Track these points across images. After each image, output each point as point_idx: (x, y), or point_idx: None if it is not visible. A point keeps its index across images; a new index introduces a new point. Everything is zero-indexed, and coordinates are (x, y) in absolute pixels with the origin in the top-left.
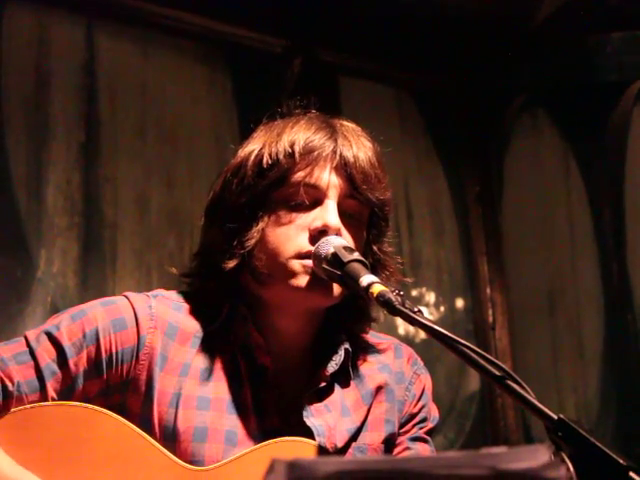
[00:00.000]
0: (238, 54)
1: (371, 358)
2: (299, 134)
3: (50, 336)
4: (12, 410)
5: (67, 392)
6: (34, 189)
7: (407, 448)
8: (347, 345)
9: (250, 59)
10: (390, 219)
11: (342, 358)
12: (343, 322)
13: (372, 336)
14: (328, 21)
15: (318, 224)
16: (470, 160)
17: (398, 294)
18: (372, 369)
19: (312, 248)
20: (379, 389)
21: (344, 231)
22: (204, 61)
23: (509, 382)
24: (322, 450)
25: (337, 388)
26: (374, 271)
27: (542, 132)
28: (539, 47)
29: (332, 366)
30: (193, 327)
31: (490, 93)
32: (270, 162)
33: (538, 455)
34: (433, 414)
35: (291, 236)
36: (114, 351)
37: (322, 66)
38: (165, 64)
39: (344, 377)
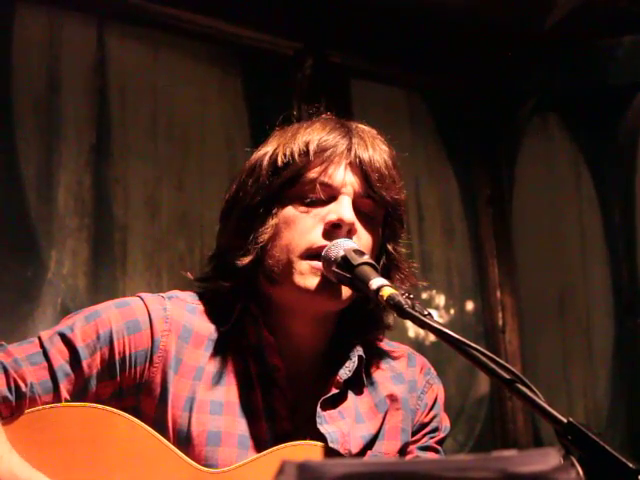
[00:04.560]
0: (249, 56)
1: (384, 365)
2: (313, 134)
3: (64, 337)
4: (27, 411)
5: (80, 393)
6: (45, 190)
7: (417, 457)
8: (361, 352)
9: (261, 61)
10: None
11: (355, 365)
12: (357, 328)
13: (386, 344)
14: (340, 24)
15: (333, 217)
16: (481, 163)
17: (408, 297)
18: (385, 377)
19: (325, 243)
20: (393, 397)
21: (359, 226)
22: (215, 63)
23: (519, 385)
24: (336, 455)
25: (350, 395)
26: (388, 273)
27: (553, 135)
28: (550, 50)
29: (345, 373)
30: (207, 330)
31: (501, 96)
32: (285, 161)
33: (548, 458)
34: (444, 424)
35: (305, 230)
36: (127, 354)
37: (333, 68)
38: (176, 66)
39: (357, 384)
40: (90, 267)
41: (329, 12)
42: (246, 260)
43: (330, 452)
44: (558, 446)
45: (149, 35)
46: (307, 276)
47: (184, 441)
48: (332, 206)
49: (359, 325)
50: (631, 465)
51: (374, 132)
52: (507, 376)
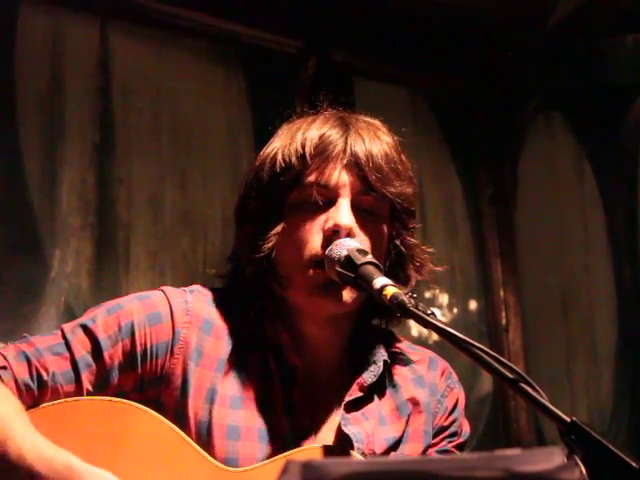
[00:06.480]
0: (253, 55)
1: (406, 368)
2: (311, 132)
3: (86, 328)
4: (48, 404)
5: (102, 385)
6: (48, 189)
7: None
8: (385, 356)
9: (265, 60)
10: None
11: (381, 370)
12: (378, 327)
13: (407, 346)
14: (342, 22)
15: (330, 225)
16: (484, 162)
17: (411, 296)
18: (407, 380)
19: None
20: (415, 401)
21: (357, 230)
22: (218, 62)
23: (522, 384)
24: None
25: (374, 397)
26: (401, 265)
27: (556, 134)
28: (553, 49)
29: (370, 377)
30: (227, 324)
31: (504, 95)
32: (283, 165)
33: (552, 457)
34: (464, 429)
35: (306, 240)
36: (149, 345)
37: (336, 67)
38: (179, 65)
39: (380, 387)
40: (93, 266)
41: (332, 11)
42: (252, 269)
43: (353, 456)
44: (562, 445)
45: (152, 34)
46: (311, 285)
47: (205, 433)
48: (330, 212)
49: (379, 321)
50: (634, 464)
51: (376, 124)
52: (510, 375)
